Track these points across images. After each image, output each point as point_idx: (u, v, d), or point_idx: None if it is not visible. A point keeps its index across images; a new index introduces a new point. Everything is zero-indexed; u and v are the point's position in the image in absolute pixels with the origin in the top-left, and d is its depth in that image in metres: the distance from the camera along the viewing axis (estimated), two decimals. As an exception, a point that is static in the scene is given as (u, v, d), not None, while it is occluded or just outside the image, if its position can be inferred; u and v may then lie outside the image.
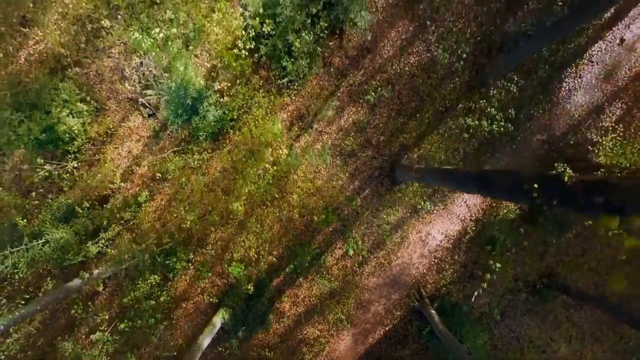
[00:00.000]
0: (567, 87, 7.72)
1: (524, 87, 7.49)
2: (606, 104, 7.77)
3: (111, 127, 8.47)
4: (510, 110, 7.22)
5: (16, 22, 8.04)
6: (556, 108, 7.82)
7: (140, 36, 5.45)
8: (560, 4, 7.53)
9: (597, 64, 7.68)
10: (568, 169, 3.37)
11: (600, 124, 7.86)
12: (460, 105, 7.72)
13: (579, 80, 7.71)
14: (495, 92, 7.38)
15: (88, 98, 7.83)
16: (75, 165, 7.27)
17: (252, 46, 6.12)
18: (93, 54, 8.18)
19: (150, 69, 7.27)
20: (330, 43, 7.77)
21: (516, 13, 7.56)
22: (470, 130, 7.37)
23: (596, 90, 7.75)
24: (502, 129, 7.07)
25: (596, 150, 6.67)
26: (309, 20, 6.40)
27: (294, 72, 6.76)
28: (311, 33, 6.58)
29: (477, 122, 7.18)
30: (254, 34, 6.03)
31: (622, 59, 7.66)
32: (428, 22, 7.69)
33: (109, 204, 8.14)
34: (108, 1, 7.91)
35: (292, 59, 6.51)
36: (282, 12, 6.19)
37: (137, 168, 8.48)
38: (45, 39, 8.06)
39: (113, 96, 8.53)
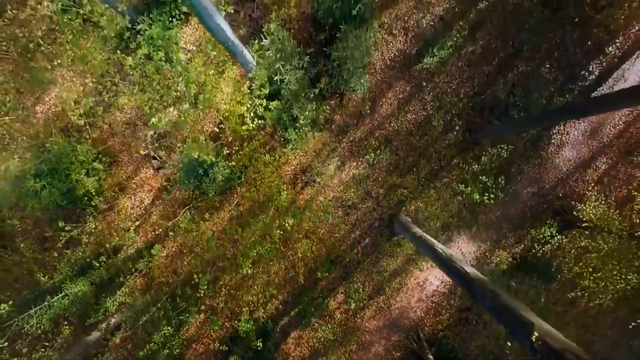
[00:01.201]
0: (556, 143, 8.18)
1: (515, 146, 7.95)
2: (592, 159, 8.23)
3: (124, 178, 8.95)
4: (500, 179, 7.69)
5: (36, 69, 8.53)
6: (545, 163, 8.27)
7: (157, 120, 5.90)
8: (548, 65, 8.02)
9: (584, 122, 8.14)
10: (535, 333, 3.23)
11: (587, 178, 8.32)
12: (455, 161, 8.17)
13: (566, 137, 8.17)
14: (486, 157, 7.84)
15: (101, 157, 8.28)
16: (94, 225, 7.71)
17: (259, 121, 6.57)
18: (106, 109, 8.64)
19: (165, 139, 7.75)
20: (332, 102, 8.24)
21: (507, 75, 8.03)
22: (464, 195, 7.83)
23: (583, 146, 8.21)
24: (492, 200, 7.54)
25: (583, 207, 7.11)
26: (312, 94, 6.86)
27: (298, 139, 7.21)
28: (314, 103, 7.04)
29: (469, 190, 7.64)
30: (261, 110, 6.48)
31: (606, 117, 8.11)
32: (424, 83, 8.15)
33: (123, 253, 8.60)
34: (120, 64, 8.38)
35: (296, 130, 6.96)
36: (287, 87, 6.64)
37: (149, 217, 8.95)
38: (60, 95, 8.55)
39: (125, 149, 9.01)
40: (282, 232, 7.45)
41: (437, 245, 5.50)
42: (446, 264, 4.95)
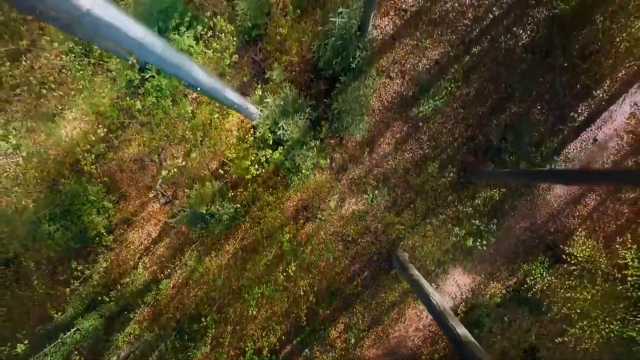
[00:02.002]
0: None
1: (508, 185, 8.30)
2: (582, 195, 8.57)
3: (131, 212, 9.28)
4: (492, 223, 8.04)
5: (45, 115, 8.88)
6: (537, 199, 8.62)
7: (167, 172, 6.25)
8: (539, 107, 8.38)
9: (574, 160, 8.49)
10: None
11: (577, 213, 8.66)
12: (450, 198, 8.52)
13: (557, 174, 8.51)
14: (479, 199, 8.19)
15: (110, 193, 8.61)
16: (105, 265, 8.05)
17: (262, 169, 6.92)
18: (114, 146, 8.98)
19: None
20: (332, 141, 8.59)
21: (499, 116, 8.38)
22: (458, 237, 8.18)
23: (573, 183, 8.54)
24: (484, 247, 7.89)
25: (570, 250, 7.46)
26: (313, 143, 7.21)
27: (299, 182, 7.55)
28: (315, 149, 7.39)
29: (463, 233, 7.99)
30: (264, 160, 6.82)
31: (595, 156, 8.46)
32: (420, 124, 8.50)
33: (132, 287, 8.92)
34: (129, 107, 8.72)
35: (298, 175, 7.30)
36: (289, 135, 6.99)
37: (156, 250, 9.29)
38: (71, 136, 8.89)
39: (133, 184, 9.34)
40: (285, 276, 7.79)
41: (433, 296, 5.83)
42: (439, 318, 5.27)
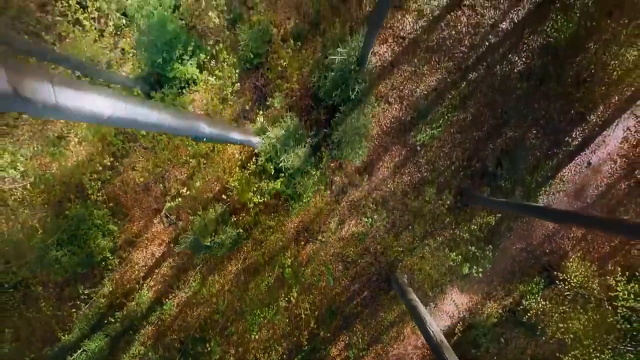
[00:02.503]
0: (542, 203, 8.71)
1: (504, 209, 8.49)
2: (576, 218, 8.75)
3: (136, 232, 9.47)
4: (488, 250, 8.23)
5: (51, 139, 9.07)
6: (533, 221, 8.81)
7: (172, 201, 6.44)
8: (534, 131, 8.57)
9: (568, 183, 8.68)
10: None
11: (572, 235, 8.85)
12: (448, 220, 8.71)
13: (552, 197, 8.71)
14: (475, 224, 8.39)
15: (114, 215, 8.81)
16: (110, 289, 8.24)
17: (263, 199, 7.11)
18: (119, 170, 9.17)
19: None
20: (332, 164, 8.78)
21: (495, 140, 8.57)
22: (455, 262, 8.37)
23: (568, 206, 8.74)
24: (479, 274, 8.09)
25: (564, 276, 7.65)
26: (314, 172, 7.40)
27: (300, 209, 7.75)
28: (315, 176, 7.59)
29: (460, 258, 8.19)
30: (266, 189, 7.02)
31: (589, 179, 8.66)
32: (418, 148, 8.69)
33: (136, 306, 9.11)
34: (133, 133, 8.91)
35: (299, 203, 7.50)
36: (291, 165, 7.18)
37: (160, 269, 9.48)
38: (75, 159, 9.08)
39: (137, 205, 9.54)
40: (287, 301, 7.98)
41: (431, 325, 6.03)
42: (435, 350, 5.47)
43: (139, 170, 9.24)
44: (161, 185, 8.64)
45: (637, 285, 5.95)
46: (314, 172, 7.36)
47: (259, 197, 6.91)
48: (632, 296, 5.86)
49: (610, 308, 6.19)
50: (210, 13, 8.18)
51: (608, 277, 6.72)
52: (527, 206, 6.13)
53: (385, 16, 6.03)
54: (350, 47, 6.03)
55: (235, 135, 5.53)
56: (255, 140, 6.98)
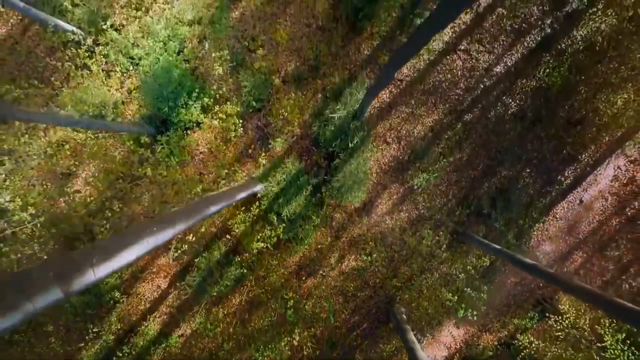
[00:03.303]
0: (536, 239, 8.99)
1: (500, 245, 8.76)
2: (569, 253, 9.04)
3: (142, 265, 9.75)
4: (483, 291, 8.51)
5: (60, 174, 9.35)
6: (527, 256, 9.08)
7: (177, 252, 6.72)
8: (528, 170, 8.84)
9: (561, 219, 8.95)
10: None
11: (565, 269, 9.13)
12: (445, 255, 8.98)
13: (546, 233, 8.98)
14: (471, 264, 8.66)
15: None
16: (118, 326, 8.51)
17: (267, 244, 7.39)
18: (126, 203, 9.45)
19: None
20: (332, 202, 9.06)
21: (491, 179, 8.85)
22: (451, 302, 8.65)
23: (561, 241, 9.02)
24: (474, 317, 8.37)
25: (556, 318, 7.94)
26: (314, 216, 7.67)
27: (301, 249, 8.02)
28: (316, 221, 7.87)
29: (456, 299, 8.47)
30: (269, 235, 7.30)
31: (581, 216, 8.93)
32: (415, 186, 8.97)
33: (142, 339, 9.39)
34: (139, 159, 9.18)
35: (300, 246, 7.77)
36: (293, 212, 7.45)
37: (166, 301, 9.75)
38: (84, 196, 9.36)
39: (143, 238, 9.81)
40: (289, 342, 8.26)
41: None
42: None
43: (145, 202, 9.53)
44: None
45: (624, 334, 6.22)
46: (315, 218, 7.63)
47: (262, 243, 7.19)
48: (620, 345, 6.12)
49: (598, 359, 6.46)
50: (213, 54, 8.45)
51: (601, 320, 6.97)
52: (518, 260, 6.41)
53: (388, 84, 6.28)
54: (349, 104, 6.31)
55: (240, 195, 5.80)
56: (259, 187, 7.26)
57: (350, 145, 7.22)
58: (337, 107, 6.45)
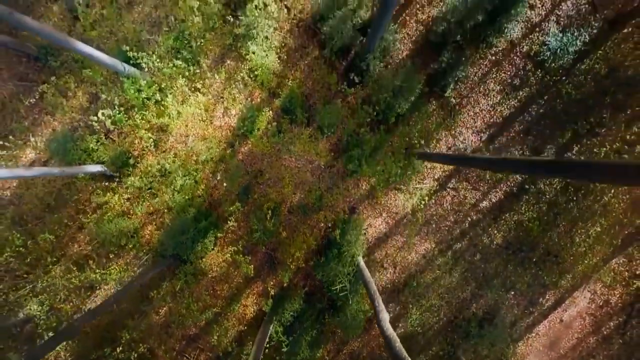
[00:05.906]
0: (521, 353, 9.82)
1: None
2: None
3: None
4: None
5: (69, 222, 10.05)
6: (514, 368, 9.90)
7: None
8: (512, 293, 9.67)
9: (544, 336, 9.78)
10: None
11: (552, 374, 9.96)
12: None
13: (530, 348, 9.81)
14: None
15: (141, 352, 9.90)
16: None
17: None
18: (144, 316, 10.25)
19: None
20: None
21: (479, 301, 9.69)
22: None
23: (544, 355, 9.85)
24: None
25: None
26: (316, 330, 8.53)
27: None
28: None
29: None
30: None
31: (562, 334, 9.77)
32: (410, 306, 9.80)
33: None
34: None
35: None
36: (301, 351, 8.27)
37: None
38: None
39: (162, 344, 10.61)
40: None
41: None
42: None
43: (162, 315, 10.35)
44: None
45: None
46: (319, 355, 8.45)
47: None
48: None
49: None
50: (223, 184, 9.19)
51: None
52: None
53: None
54: (349, 273, 7.15)
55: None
56: (269, 331, 8.10)
57: (348, 295, 8.05)
58: (338, 279, 7.30)
